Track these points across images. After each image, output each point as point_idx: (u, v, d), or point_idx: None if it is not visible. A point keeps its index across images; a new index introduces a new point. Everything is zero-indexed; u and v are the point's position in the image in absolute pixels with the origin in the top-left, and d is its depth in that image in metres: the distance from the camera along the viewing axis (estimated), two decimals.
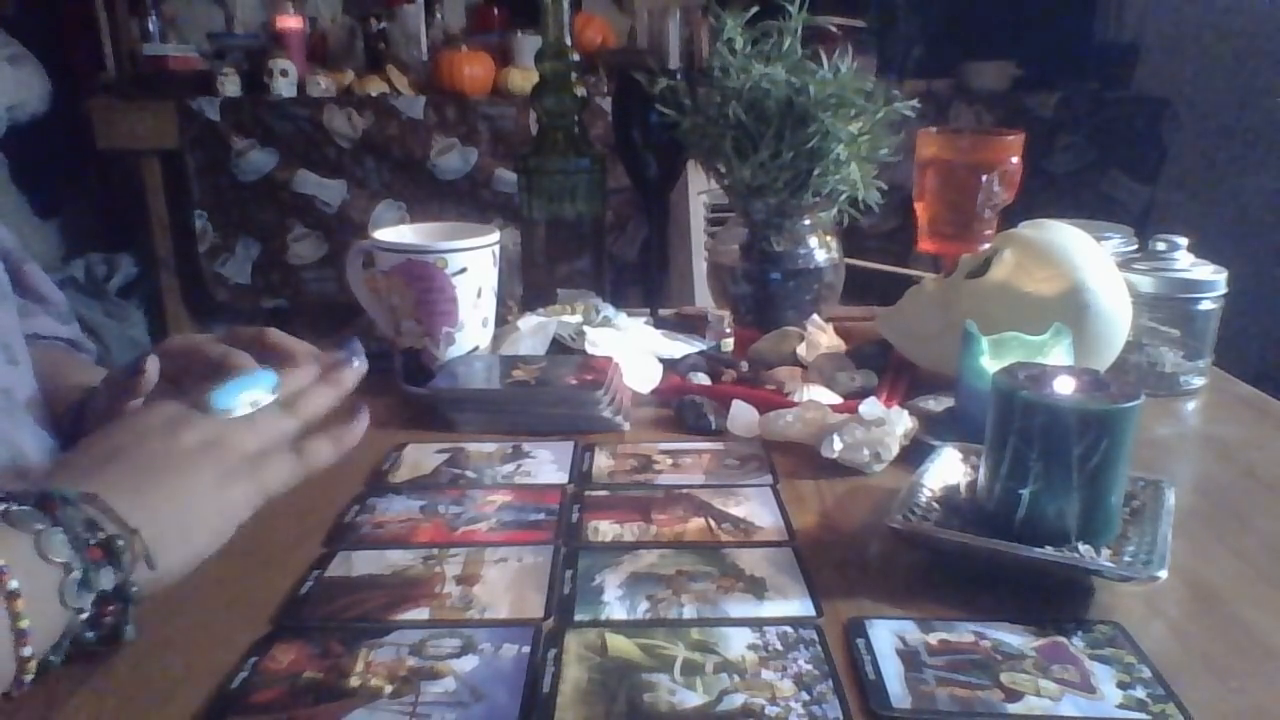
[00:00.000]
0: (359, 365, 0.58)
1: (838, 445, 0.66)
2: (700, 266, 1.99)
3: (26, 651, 0.39)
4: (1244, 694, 0.43)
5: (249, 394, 0.52)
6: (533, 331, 0.86)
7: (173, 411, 0.50)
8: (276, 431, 0.52)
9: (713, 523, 0.59)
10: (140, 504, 0.44)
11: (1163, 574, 0.48)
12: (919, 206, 1.03)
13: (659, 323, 0.95)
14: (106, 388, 0.62)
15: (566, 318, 0.89)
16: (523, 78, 2.50)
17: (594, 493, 0.63)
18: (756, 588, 0.51)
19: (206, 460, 0.48)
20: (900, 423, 0.68)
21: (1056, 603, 0.50)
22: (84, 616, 0.42)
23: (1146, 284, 0.82)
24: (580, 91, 0.98)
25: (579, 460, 0.69)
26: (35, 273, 0.75)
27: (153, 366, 0.58)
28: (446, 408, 0.75)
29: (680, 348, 0.88)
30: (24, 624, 0.39)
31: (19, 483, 0.44)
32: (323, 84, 2.48)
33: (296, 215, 2.49)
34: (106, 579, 0.42)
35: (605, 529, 0.58)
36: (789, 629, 0.47)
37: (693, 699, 0.42)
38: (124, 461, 0.47)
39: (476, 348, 0.82)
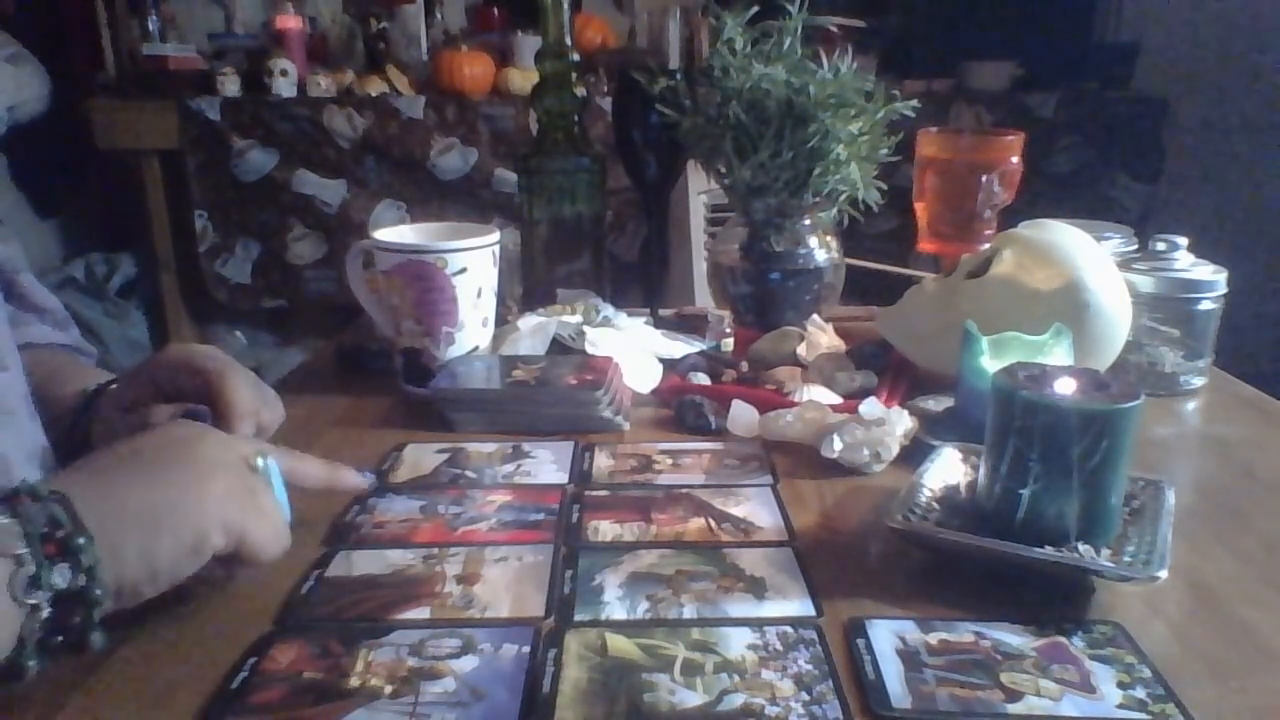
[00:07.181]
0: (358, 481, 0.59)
1: (838, 445, 0.66)
2: (700, 266, 1.98)
3: None
4: (1244, 694, 0.43)
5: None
6: (533, 331, 0.86)
7: (201, 429, 0.51)
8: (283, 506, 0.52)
9: (713, 523, 0.59)
10: (105, 507, 0.43)
11: (1163, 574, 0.48)
12: (919, 206, 1.03)
13: (659, 323, 0.95)
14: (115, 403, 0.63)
15: (566, 318, 0.89)
16: (523, 78, 2.50)
17: (594, 493, 0.63)
18: (756, 588, 0.51)
19: (213, 473, 0.48)
20: (900, 423, 0.68)
21: (1057, 603, 0.50)
22: (43, 616, 0.40)
23: (1146, 284, 0.82)
24: (580, 91, 0.98)
25: (579, 460, 0.69)
26: (29, 282, 0.74)
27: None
28: (446, 408, 0.75)
29: (680, 348, 0.88)
30: None
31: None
32: (323, 84, 2.48)
33: (296, 215, 2.49)
34: (60, 577, 0.40)
35: (605, 529, 0.58)
36: (789, 629, 0.47)
37: (693, 699, 0.42)
38: (119, 467, 0.46)
39: (476, 348, 0.82)
